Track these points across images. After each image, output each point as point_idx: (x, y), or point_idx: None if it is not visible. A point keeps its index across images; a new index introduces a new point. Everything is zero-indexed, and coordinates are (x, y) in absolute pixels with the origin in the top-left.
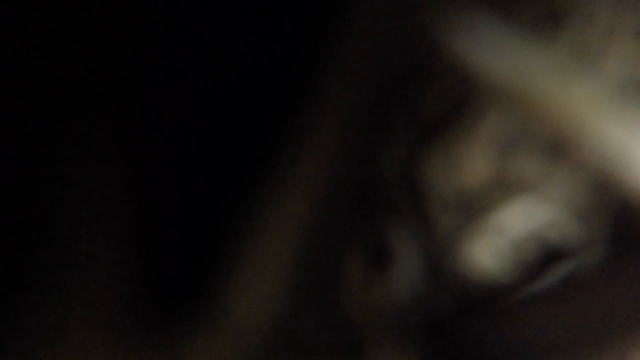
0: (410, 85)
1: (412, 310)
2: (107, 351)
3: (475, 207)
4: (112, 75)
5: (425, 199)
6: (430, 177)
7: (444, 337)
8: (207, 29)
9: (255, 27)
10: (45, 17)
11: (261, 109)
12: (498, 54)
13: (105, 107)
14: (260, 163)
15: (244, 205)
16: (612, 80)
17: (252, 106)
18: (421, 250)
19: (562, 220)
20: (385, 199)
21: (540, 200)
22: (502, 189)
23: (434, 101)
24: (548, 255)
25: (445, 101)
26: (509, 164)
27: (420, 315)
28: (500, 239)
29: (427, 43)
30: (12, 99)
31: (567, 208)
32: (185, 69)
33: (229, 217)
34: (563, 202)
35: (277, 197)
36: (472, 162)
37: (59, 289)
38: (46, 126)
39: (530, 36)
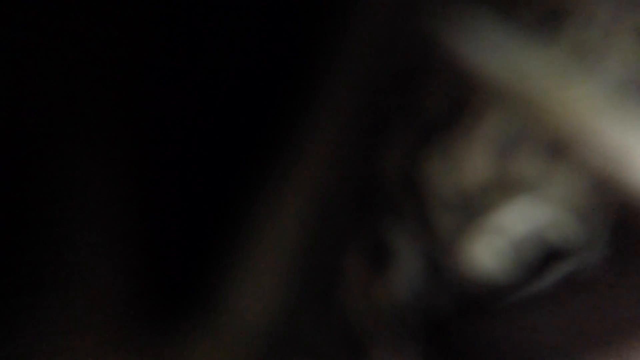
0: (410, 85)
1: (412, 310)
2: (107, 351)
3: (475, 207)
4: (112, 75)
5: (425, 199)
6: (430, 177)
7: (444, 337)
8: (207, 29)
9: (256, 27)
10: (45, 18)
11: (261, 109)
12: (498, 54)
13: (105, 107)
14: (260, 163)
15: (244, 205)
16: (612, 80)
17: (252, 106)
18: (421, 250)
19: (562, 220)
20: (385, 199)
21: (540, 200)
22: (502, 189)
23: (434, 101)
24: (548, 255)
25: (445, 101)
26: (509, 164)
27: (420, 315)
28: (500, 239)
29: (427, 43)
30: (13, 100)
31: (567, 208)
32: (185, 69)
33: (229, 217)
34: (563, 202)
35: (277, 197)
36: (472, 162)
37: (59, 289)
38: (46, 126)
39: (530, 36)
